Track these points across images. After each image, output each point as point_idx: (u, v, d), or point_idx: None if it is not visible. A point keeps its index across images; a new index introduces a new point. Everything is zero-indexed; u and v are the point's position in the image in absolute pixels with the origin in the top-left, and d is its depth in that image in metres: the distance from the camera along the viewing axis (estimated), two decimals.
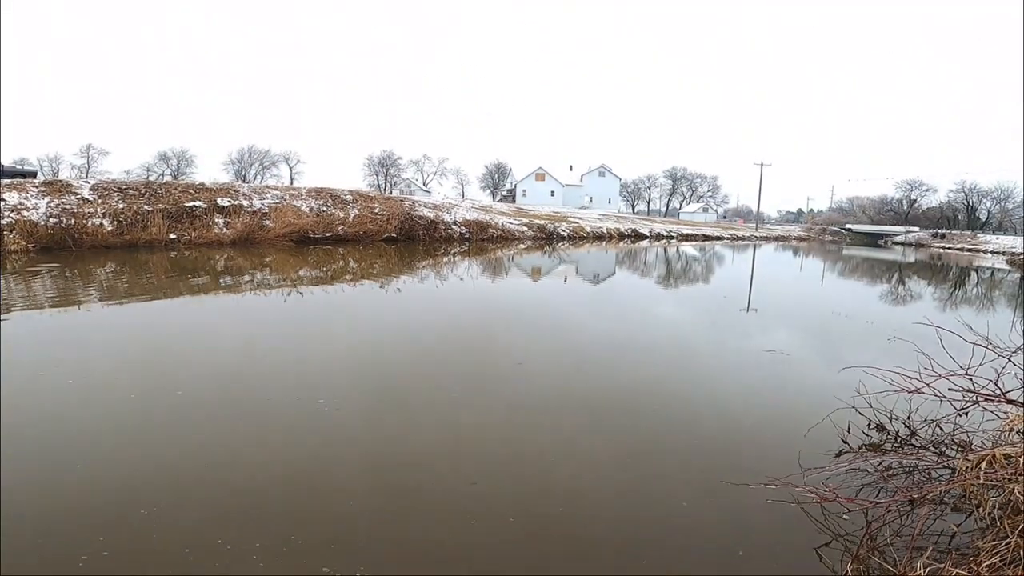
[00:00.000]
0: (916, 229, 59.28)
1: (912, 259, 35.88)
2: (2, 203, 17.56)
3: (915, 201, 71.17)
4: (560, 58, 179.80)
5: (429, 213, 27.62)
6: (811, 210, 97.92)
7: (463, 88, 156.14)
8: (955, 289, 19.13)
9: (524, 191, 72.24)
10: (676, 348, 7.95)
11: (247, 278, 13.23)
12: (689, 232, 45.98)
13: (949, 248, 48.63)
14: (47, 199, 18.64)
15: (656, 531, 3.24)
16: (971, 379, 3.97)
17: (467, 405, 5.06)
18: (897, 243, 55.82)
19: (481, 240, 27.69)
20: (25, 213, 17.47)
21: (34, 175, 26.56)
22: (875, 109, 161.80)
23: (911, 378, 4.15)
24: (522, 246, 27.32)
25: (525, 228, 31.80)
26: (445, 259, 19.80)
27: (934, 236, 55.46)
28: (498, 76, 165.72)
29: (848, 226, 66.01)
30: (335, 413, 4.74)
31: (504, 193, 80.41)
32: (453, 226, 27.48)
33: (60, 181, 21.65)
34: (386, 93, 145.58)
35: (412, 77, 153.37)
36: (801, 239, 58.68)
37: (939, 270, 27.81)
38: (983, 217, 67.26)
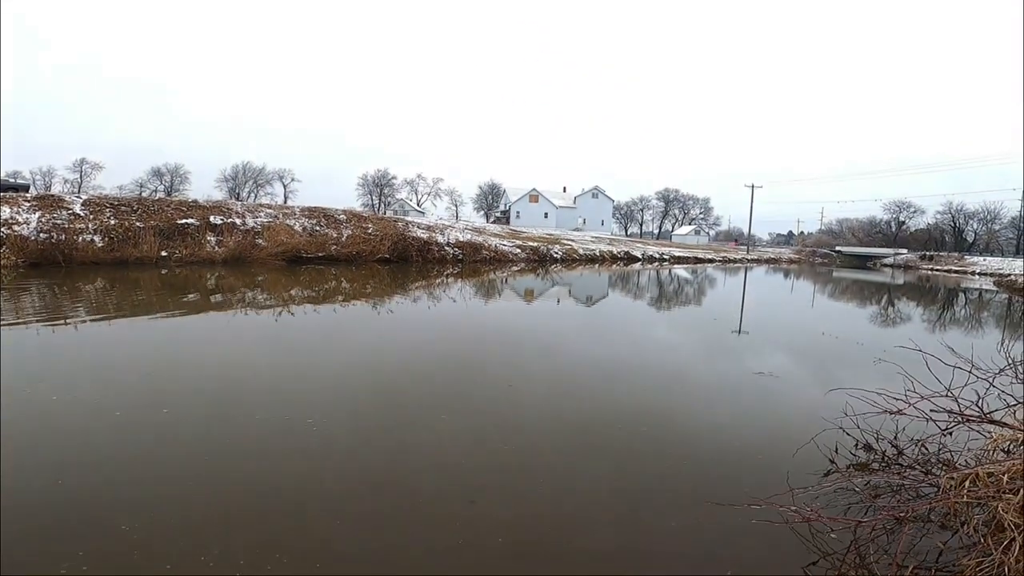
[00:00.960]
0: (904, 251, 60.11)
1: (901, 281, 36.29)
2: None
3: (903, 223, 72.32)
4: (553, 82, 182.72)
5: (423, 234, 27.72)
6: (801, 232, 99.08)
7: (458, 109, 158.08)
8: (943, 311, 19.33)
9: (518, 212, 72.70)
10: (666, 370, 7.97)
11: (238, 297, 13.18)
12: (681, 254, 46.36)
13: (937, 270, 49.25)
14: (38, 214, 18.57)
15: (643, 552, 3.22)
16: (955, 400, 4.02)
17: (456, 427, 5.04)
18: (886, 265, 56.51)
19: (474, 262, 27.75)
20: (16, 228, 17.38)
21: (26, 189, 26.49)
22: (865, 131, 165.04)
23: (896, 399, 4.20)
24: (515, 268, 27.41)
25: (518, 250, 31.94)
26: (438, 280, 19.81)
27: (922, 258, 56.20)
28: (493, 98, 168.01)
29: (838, 248, 66.86)
30: (324, 433, 4.71)
31: (498, 215, 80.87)
32: (446, 247, 27.56)
33: (52, 196, 21.60)
34: (381, 113, 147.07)
35: (408, 97, 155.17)
36: (792, 261, 59.31)
37: (927, 292, 28.12)
38: (970, 238, 68.33)
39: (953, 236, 68.25)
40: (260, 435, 4.59)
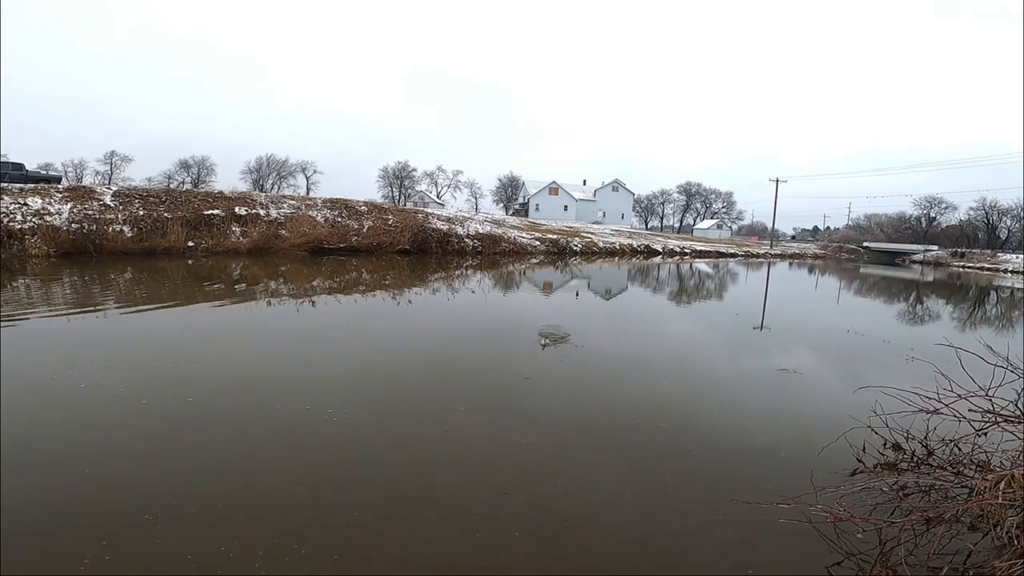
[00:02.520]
0: (935, 248, 58.48)
1: (931, 278, 35.35)
2: (25, 207, 17.91)
3: (934, 219, 70.31)
4: (577, 74, 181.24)
5: (442, 226, 27.77)
6: (827, 227, 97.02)
7: (481, 100, 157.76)
8: (975, 309, 18.78)
9: (537, 205, 72.42)
10: (687, 365, 7.87)
11: (262, 287, 13.36)
12: (703, 248, 45.76)
13: (969, 267, 47.85)
14: (70, 205, 19.01)
15: (664, 549, 3.18)
16: (991, 400, 3.89)
17: (474, 419, 5.03)
18: (915, 262, 55.07)
19: (493, 254, 27.75)
20: (48, 218, 17.82)
21: (58, 180, 27.15)
22: (896, 126, 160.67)
23: (929, 398, 4.07)
24: (534, 260, 27.34)
25: (537, 242, 31.84)
26: (457, 272, 19.86)
27: (953, 255, 54.61)
28: (512, 90, 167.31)
29: (865, 244, 65.29)
30: (343, 424, 4.75)
31: (517, 207, 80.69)
32: (466, 239, 27.60)
33: (83, 187, 22.12)
34: (402, 105, 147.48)
35: (427, 87, 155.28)
36: (817, 257, 58.12)
37: (958, 289, 27.35)
38: (1003, 235, 66.16)
39: (986, 233, 66.11)
40: (281, 426, 4.64)
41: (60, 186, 22.11)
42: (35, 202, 18.41)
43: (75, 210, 18.80)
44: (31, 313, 8.74)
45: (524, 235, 32.41)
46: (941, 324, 14.28)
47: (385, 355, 7.40)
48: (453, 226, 28.50)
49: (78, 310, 9.20)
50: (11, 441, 4.06)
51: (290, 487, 3.63)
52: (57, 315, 8.70)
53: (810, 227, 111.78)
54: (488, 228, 30.82)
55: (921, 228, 69.75)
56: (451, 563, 2.93)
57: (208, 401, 5.15)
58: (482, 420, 4.98)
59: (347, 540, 3.07)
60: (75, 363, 6.11)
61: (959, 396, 3.97)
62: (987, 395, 3.92)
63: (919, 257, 56.40)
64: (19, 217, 17.36)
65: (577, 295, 16.29)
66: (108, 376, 5.69)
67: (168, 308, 9.82)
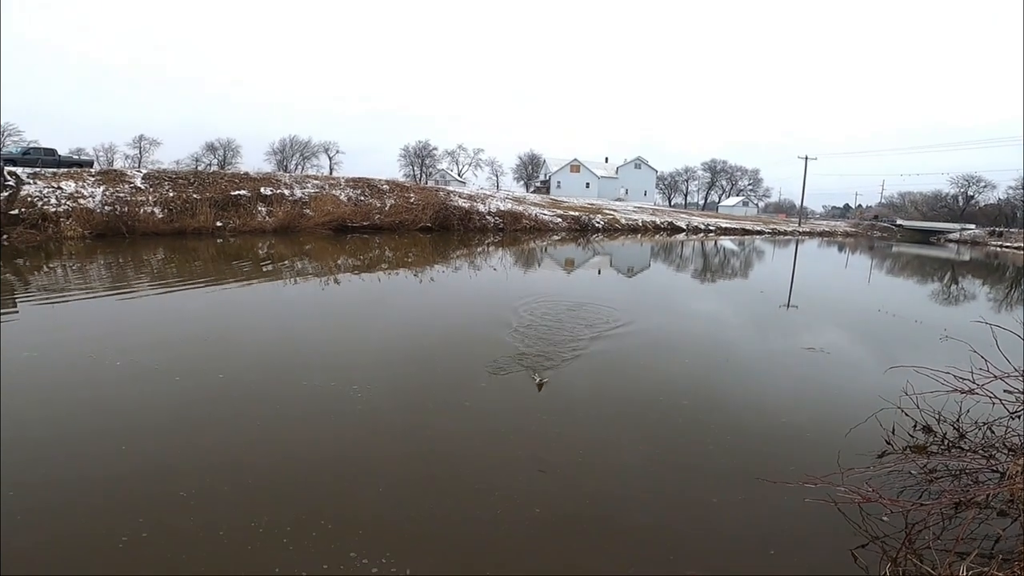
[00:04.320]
0: (972, 226, 56.40)
1: (967, 257, 34.22)
2: (59, 191, 18.40)
3: (972, 198, 67.61)
4: (599, 52, 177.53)
5: (464, 203, 27.76)
6: (859, 205, 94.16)
7: (501, 78, 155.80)
8: (1012, 289, 18.17)
9: (559, 183, 71.70)
10: (711, 343, 7.79)
11: (287, 266, 13.57)
12: (728, 226, 44.86)
13: (1007, 247, 46.09)
14: (102, 188, 19.46)
15: (687, 528, 3.19)
16: None
17: (497, 395, 5.07)
18: (951, 240, 53.25)
19: (515, 230, 27.68)
20: (82, 201, 18.28)
21: (90, 164, 27.80)
22: (932, 103, 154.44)
23: (963, 379, 3.95)
24: (555, 237, 27.20)
25: (559, 219, 31.62)
26: (479, 249, 19.89)
27: (991, 234, 52.62)
28: (536, 65, 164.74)
29: (899, 222, 63.24)
30: (368, 401, 4.83)
31: (538, 184, 80.00)
32: (487, 216, 27.56)
33: (115, 171, 22.62)
34: (423, 82, 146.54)
35: (450, 67, 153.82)
36: (847, 235, 56.53)
37: (995, 269, 26.45)
38: None
39: None
40: (307, 402, 4.74)
41: (92, 170, 22.61)
42: (68, 186, 18.88)
43: (107, 193, 19.25)
44: (69, 294, 9.03)
45: (545, 212, 32.20)
46: (976, 304, 13.85)
47: (408, 332, 7.47)
48: (475, 203, 28.45)
49: (114, 289, 9.47)
50: (49, 418, 4.23)
51: (317, 462, 3.73)
52: (94, 295, 8.98)
53: (840, 205, 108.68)
54: (509, 205, 30.68)
55: (957, 207, 67.20)
56: (474, 536, 2.98)
57: (238, 378, 5.28)
58: (505, 397, 5.01)
59: (372, 513, 3.14)
60: (111, 342, 6.31)
61: (994, 376, 3.86)
62: (1023, 376, 3.80)
63: (955, 236, 54.48)
64: (53, 200, 17.85)
65: (599, 272, 16.19)
66: (142, 354, 5.87)
67: (199, 286, 10.05)
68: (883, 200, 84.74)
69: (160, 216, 19.31)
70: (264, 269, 12.85)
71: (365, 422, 4.40)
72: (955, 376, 4.00)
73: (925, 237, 55.80)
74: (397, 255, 17.01)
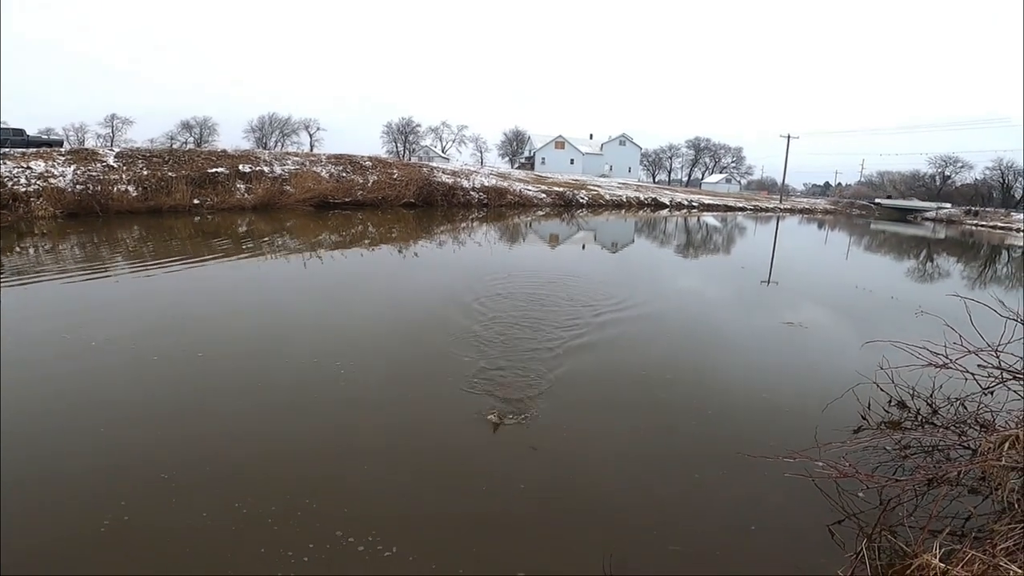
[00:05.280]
0: (948, 205, 57.35)
1: (942, 235, 34.84)
2: (29, 171, 17.89)
3: (949, 178, 68.66)
4: (583, 26, 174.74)
5: (447, 179, 27.48)
6: (839, 184, 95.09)
7: (484, 55, 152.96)
8: (986, 267, 18.59)
9: (543, 159, 71.22)
10: (692, 318, 7.87)
11: (268, 242, 13.35)
12: (711, 202, 45.08)
13: (982, 225, 47.01)
14: (73, 167, 18.93)
15: (671, 504, 3.24)
16: (998, 356, 3.83)
17: (481, 371, 5.06)
18: (927, 219, 54.13)
19: (499, 206, 27.54)
20: (52, 180, 17.81)
21: (60, 144, 26.95)
22: (912, 83, 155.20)
23: (937, 354, 4.01)
24: (540, 212, 27.10)
25: (543, 195, 31.46)
26: (463, 224, 19.77)
27: (967, 213, 53.59)
28: (520, 43, 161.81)
29: (877, 200, 64.02)
30: (352, 377, 4.80)
31: (523, 160, 79.33)
32: (471, 192, 27.36)
33: (86, 149, 21.95)
34: (406, 59, 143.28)
35: (432, 42, 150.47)
36: (827, 212, 57.17)
37: (970, 247, 27.01)
38: (1018, 195, 64.74)
39: (1001, 192, 64.64)
40: (291, 379, 4.70)
41: (62, 150, 21.95)
42: (38, 165, 18.36)
43: (78, 172, 18.74)
44: (42, 275, 8.80)
45: (530, 188, 32.00)
46: (951, 282, 14.15)
47: (392, 308, 7.42)
48: (458, 179, 28.19)
49: (89, 270, 9.24)
50: (22, 401, 4.13)
51: (300, 441, 3.71)
52: (67, 274, 8.75)
53: (821, 183, 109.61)
54: (494, 181, 30.45)
55: (935, 186, 68.24)
56: (461, 513, 3.00)
57: (218, 357, 5.21)
58: (488, 372, 5.00)
59: (358, 492, 3.14)
60: (86, 323, 6.17)
61: (968, 351, 3.92)
62: (996, 351, 3.87)
63: (931, 214, 55.34)
64: (23, 180, 17.35)
65: (583, 247, 16.20)
66: (119, 335, 5.75)
67: (176, 265, 9.85)
68: (862, 179, 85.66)
69: (134, 194, 18.82)
70: (244, 246, 12.62)
71: (349, 400, 4.38)
72: (929, 351, 4.05)
73: (902, 215, 56.58)
74: (380, 231, 16.83)
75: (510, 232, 18.71)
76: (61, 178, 18.02)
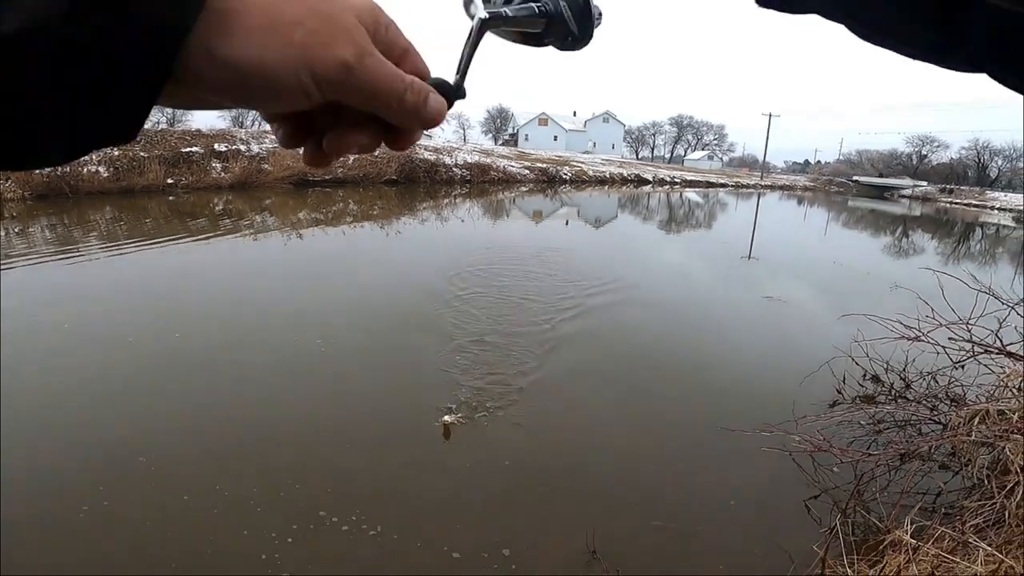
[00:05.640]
0: (924, 183, 58.32)
1: (918, 212, 35.46)
2: None
3: (925, 156, 69.75)
4: None
5: (430, 156, 27.12)
6: (818, 161, 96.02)
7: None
8: (959, 244, 18.99)
9: (527, 136, 70.70)
10: (673, 293, 7.93)
11: (246, 221, 13.10)
12: (693, 179, 45.23)
13: (957, 203, 47.95)
14: None
15: (652, 478, 3.29)
16: (970, 330, 3.92)
17: (462, 346, 5.04)
18: (904, 196, 55.03)
19: (482, 182, 27.32)
20: None
21: None
22: (889, 64, 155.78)
23: (910, 327, 4.10)
24: (523, 188, 26.97)
25: (527, 171, 31.25)
26: (446, 200, 19.61)
27: (942, 191, 54.59)
28: None
29: (855, 178, 64.83)
30: (335, 357, 4.77)
31: (506, 137, 78.61)
32: (454, 168, 27.06)
33: None
34: None
35: (412, 16, 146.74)
36: (806, 189, 57.82)
37: (944, 224, 27.54)
38: (993, 175, 66.12)
39: (977, 171, 65.92)
40: (271, 360, 4.65)
41: None
42: None
43: None
44: (12, 260, 8.54)
45: (513, 164, 31.75)
46: (925, 257, 14.46)
47: (376, 285, 7.32)
48: (441, 156, 27.84)
49: (61, 253, 8.99)
50: None
51: (281, 420, 3.68)
52: (40, 259, 8.51)
53: (801, 160, 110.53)
54: (477, 158, 30.12)
55: (912, 165, 69.30)
56: (445, 490, 3.01)
57: (196, 338, 5.12)
58: (470, 350, 4.99)
59: (340, 471, 3.14)
60: (61, 306, 6.01)
61: (940, 324, 4.01)
62: (967, 325, 3.96)
63: (908, 192, 56.28)
64: None
65: (567, 223, 16.17)
66: (94, 317, 5.62)
67: (152, 245, 9.62)
68: (841, 157, 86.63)
69: (105, 175, 18.26)
70: (221, 225, 12.37)
71: (331, 378, 4.35)
72: (903, 324, 4.14)
73: (879, 192, 57.41)
74: (362, 208, 16.62)
75: (494, 208, 18.61)
76: None
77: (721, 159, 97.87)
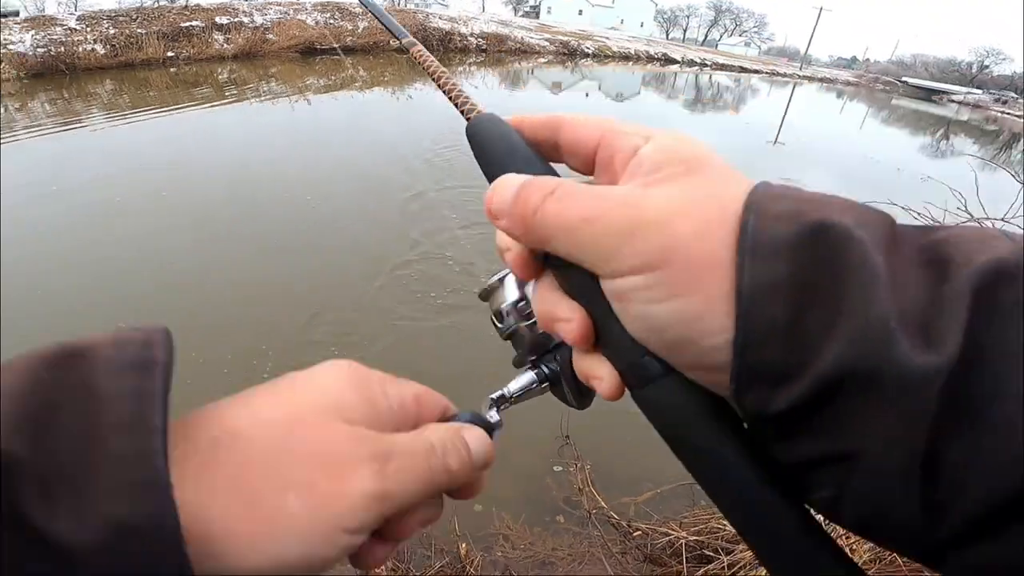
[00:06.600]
0: (978, 91, 53.97)
1: (965, 118, 33.20)
2: None
3: (986, 67, 64.06)
4: None
5: (444, 25, 25.50)
6: (867, 60, 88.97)
7: None
8: (1002, 151, 17.99)
9: (549, 8, 65.67)
10: None
11: (252, 88, 12.59)
12: (725, 63, 42.24)
13: (1008, 114, 44.63)
14: (31, 32, 17.57)
15: None
16: (1006, 223, 3.72)
17: (473, 218, 4.93)
18: (953, 101, 51.17)
19: (498, 52, 25.82)
20: (11, 47, 16.60)
21: (16, 14, 24.76)
22: None
23: (935, 220, 3.89)
24: (542, 60, 25.45)
25: (546, 43, 29.30)
26: (460, 68, 18.74)
27: (996, 100, 50.66)
28: None
29: (904, 78, 60.09)
30: (346, 226, 4.71)
31: (527, 9, 73.07)
32: (469, 37, 25.56)
33: (44, 16, 20.27)
34: None
35: None
36: (849, 84, 53.87)
37: (989, 132, 25.89)
38: None
39: None
40: (286, 225, 4.61)
41: (18, 19, 20.12)
42: None
43: (38, 37, 17.39)
44: (14, 133, 8.31)
45: (533, 35, 29.73)
46: (963, 161, 13.75)
47: (381, 152, 7.00)
48: (456, 25, 26.14)
49: (64, 125, 8.64)
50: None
51: (274, 282, 3.71)
52: (43, 131, 8.21)
53: (848, 57, 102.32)
54: (494, 28, 28.22)
55: (970, 73, 63.79)
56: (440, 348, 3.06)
57: (206, 203, 5.07)
58: (476, 209, 4.87)
59: (356, 335, 3.18)
60: (67, 176, 5.79)
61: (971, 216, 3.82)
62: (1003, 220, 3.75)
63: (959, 98, 52.24)
64: None
65: (587, 95, 15.44)
66: (100, 187, 5.44)
67: (157, 114, 9.29)
68: (893, 58, 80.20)
69: (103, 52, 17.51)
70: (227, 93, 11.90)
71: (333, 235, 4.34)
72: (930, 216, 3.93)
73: (928, 95, 53.21)
74: (372, 75, 15.93)
75: (510, 77, 17.75)
76: (20, 44, 16.84)
77: (759, 47, 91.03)
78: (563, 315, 0.30)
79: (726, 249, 0.25)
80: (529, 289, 0.37)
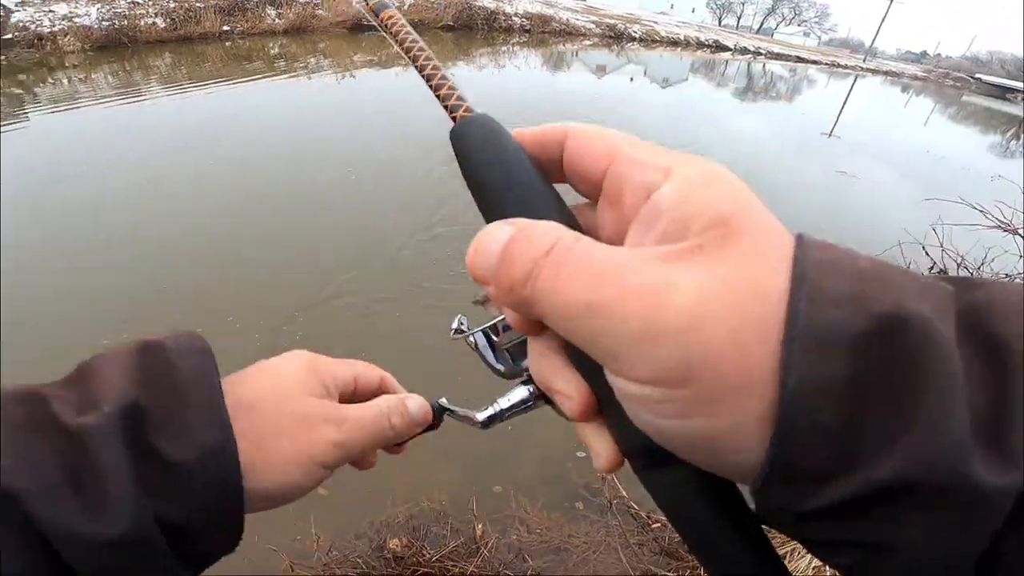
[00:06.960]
0: None
1: None
2: (51, 14, 17.50)
3: None
4: None
5: (489, 4, 25.44)
6: (938, 55, 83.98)
7: None
8: None
9: None
10: (738, 158, 7.36)
11: (301, 63, 12.80)
12: (780, 52, 40.57)
13: None
14: (97, 6, 18.29)
15: None
16: None
17: None
18: None
19: (542, 32, 25.52)
20: (77, 20, 17.31)
21: None
22: None
23: (1004, 223, 3.61)
24: (586, 43, 24.98)
25: (592, 25, 28.74)
26: (503, 48, 18.60)
27: None
28: None
29: (977, 75, 56.27)
30: (367, 190, 4.76)
31: None
32: (513, 18, 25.39)
33: None
34: None
35: None
36: (916, 78, 50.89)
37: None
38: None
39: None
40: (321, 186, 4.66)
41: None
42: (60, 8, 17.81)
43: (103, 10, 18.12)
44: (77, 102, 8.68)
45: (578, 17, 29.22)
46: None
47: (420, 130, 7.03)
48: (500, 4, 26.03)
49: (124, 95, 8.97)
50: (58, 218, 4.16)
51: (316, 247, 3.76)
52: (103, 100, 8.55)
53: (917, 51, 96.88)
54: (539, 8, 27.89)
55: None
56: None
57: (255, 171, 5.16)
58: None
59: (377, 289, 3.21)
60: (123, 144, 6.01)
61: None
62: None
63: None
64: (46, 22, 16.92)
65: (632, 80, 15.07)
66: (154, 155, 5.63)
67: (214, 86, 9.56)
68: (968, 54, 75.40)
69: (163, 26, 18.14)
70: (277, 67, 12.13)
71: (368, 208, 4.36)
72: (1000, 215, 3.63)
73: (1002, 93, 49.65)
74: None
75: (554, 59, 17.49)
76: (86, 17, 17.57)
77: (819, 37, 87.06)
78: (561, 388, 0.28)
79: (769, 358, 0.20)
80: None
